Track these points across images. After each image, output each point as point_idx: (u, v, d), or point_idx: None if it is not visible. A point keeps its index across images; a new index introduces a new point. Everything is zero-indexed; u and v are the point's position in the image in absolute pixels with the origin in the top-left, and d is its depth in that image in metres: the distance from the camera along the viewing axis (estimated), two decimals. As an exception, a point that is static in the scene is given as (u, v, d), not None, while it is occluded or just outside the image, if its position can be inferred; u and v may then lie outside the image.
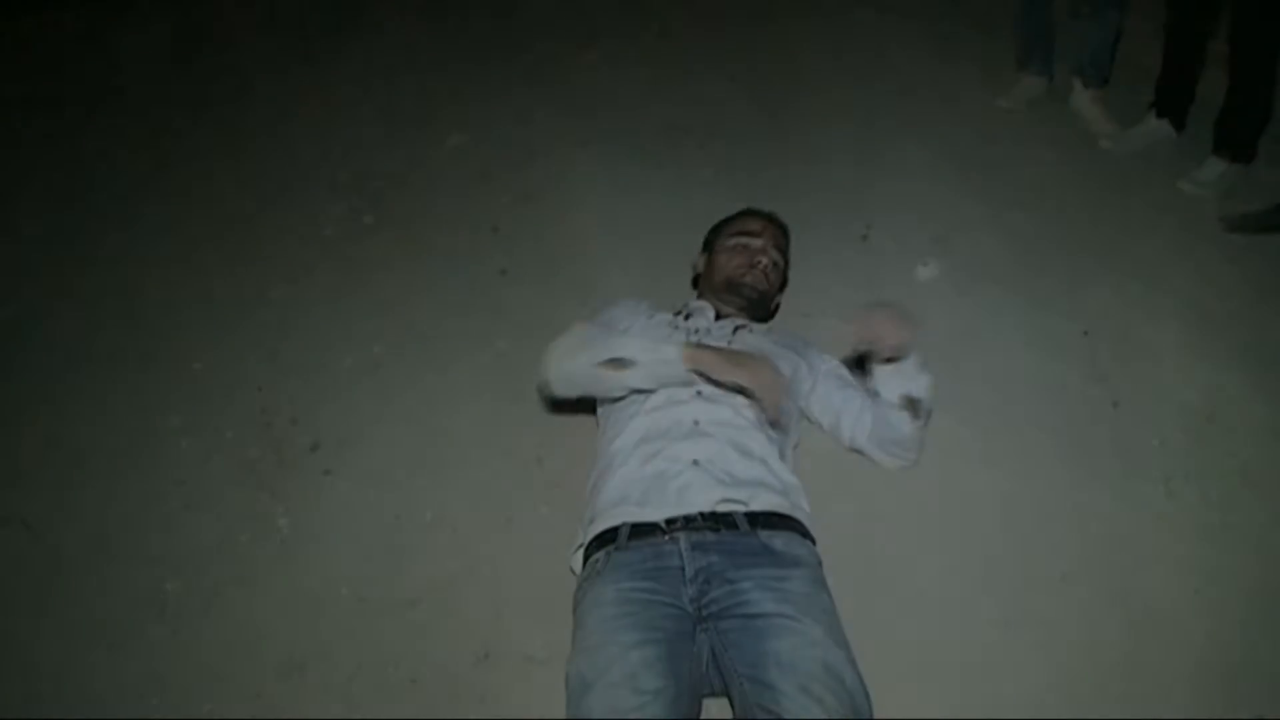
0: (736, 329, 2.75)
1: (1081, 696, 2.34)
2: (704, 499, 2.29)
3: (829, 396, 2.77)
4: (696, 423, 2.43)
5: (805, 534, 2.36)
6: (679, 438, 2.41)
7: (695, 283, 3.14)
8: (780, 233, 3.04)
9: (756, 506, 2.31)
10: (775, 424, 2.50)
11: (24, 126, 4.51)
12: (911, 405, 2.54)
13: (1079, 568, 2.60)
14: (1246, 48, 3.88)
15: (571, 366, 2.45)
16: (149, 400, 3.10)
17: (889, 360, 2.49)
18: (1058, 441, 2.93)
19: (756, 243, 2.94)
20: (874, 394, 2.61)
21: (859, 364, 2.71)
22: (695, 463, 2.35)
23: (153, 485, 2.84)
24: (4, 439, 2.99)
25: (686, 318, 2.82)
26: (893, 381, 2.54)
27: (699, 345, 2.45)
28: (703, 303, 2.93)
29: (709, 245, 3.08)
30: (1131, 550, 2.66)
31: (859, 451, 2.77)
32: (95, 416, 3.05)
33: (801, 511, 2.41)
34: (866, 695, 2.00)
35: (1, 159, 4.29)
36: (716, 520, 2.26)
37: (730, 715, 2.21)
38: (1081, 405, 3.06)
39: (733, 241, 2.96)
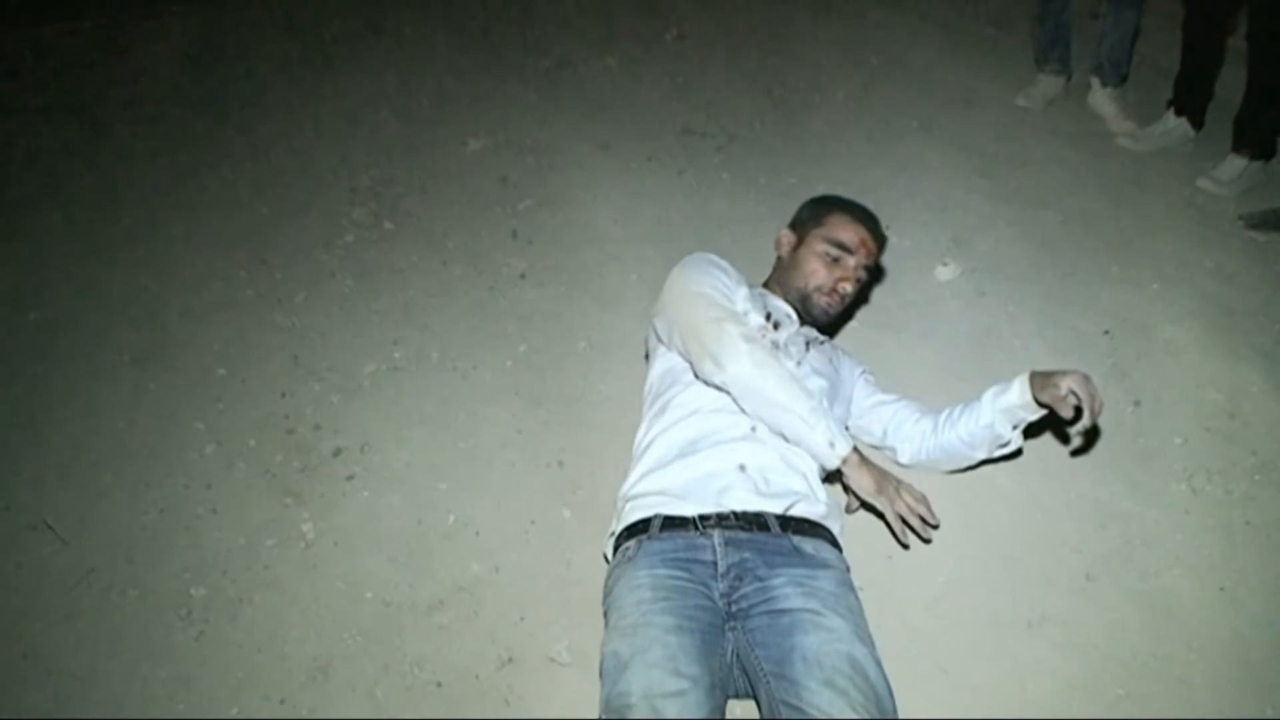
0: (809, 344, 2.71)
1: (1105, 696, 2.34)
2: (740, 501, 2.31)
3: (876, 411, 2.82)
4: (754, 429, 2.43)
5: (834, 543, 2.38)
6: (732, 439, 2.41)
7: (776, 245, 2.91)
8: (878, 246, 2.82)
9: (790, 512, 2.34)
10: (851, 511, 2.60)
11: (45, 136, 4.53)
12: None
13: (1102, 567, 2.61)
14: (1265, 45, 3.88)
15: (757, 381, 2.37)
16: (174, 407, 3.11)
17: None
18: (1080, 441, 2.92)
19: (849, 261, 2.72)
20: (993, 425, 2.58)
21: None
22: (741, 468, 2.36)
23: (178, 491, 2.85)
24: (30, 445, 3.01)
25: (776, 326, 2.65)
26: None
27: (863, 461, 2.41)
28: (786, 307, 2.77)
29: (801, 227, 2.84)
30: (1155, 549, 2.66)
31: (908, 466, 2.79)
32: (120, 423, 3.07)
33: (834, 525, 2.43)
34: (890, 693, 2.00)
35: (23, 168, 4.31)
36: (749, 520, 2.28)
37: (754, 718, 2.22)
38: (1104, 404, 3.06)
39: (824, 248, 2.73)
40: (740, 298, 2.61)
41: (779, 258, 2.89)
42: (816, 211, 2.83)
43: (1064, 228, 3.84)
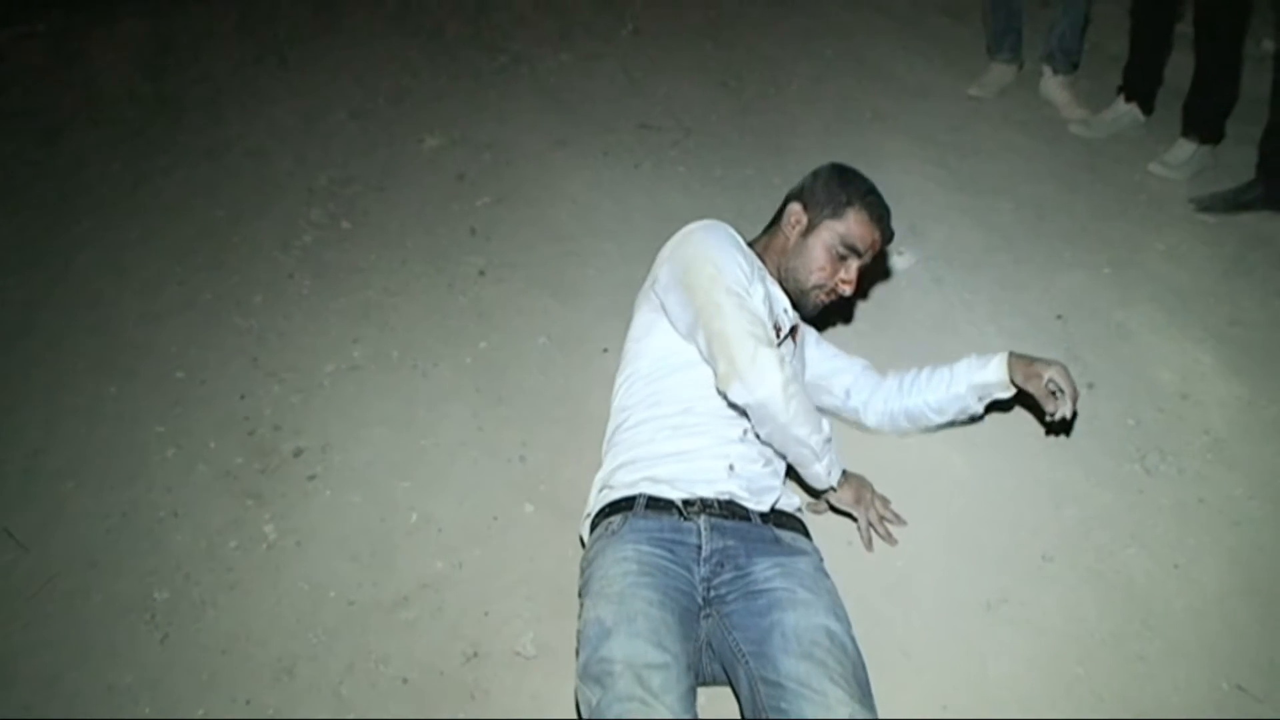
0: (793, 329, 2.63)
1: (1064, 674, 2.37)
2: (725, 495, 2.33)
3: (836, 372, 2.87)
4: (745, 433, 2.42)
5: (807, 533, 2.44)
6: (727, 441, 2.41)
7: (778, 213, 2.67)
8: (885, 246, 2.65)
9: (768, 506, 2.39)
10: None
11: (-1, 140, 4.52)
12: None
13: (1058, 547, 2.64)
14: (1212, 30, 3.92)
15: (783, 415, 2.28)
16: (133, 411, 3.11)
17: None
18: (1035, 424, 2.96)
19: (854, 264, 2.55)
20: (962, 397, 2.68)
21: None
22: (730, 468, 2.37)
23: (139, 495, 2.85)
24: (-10, 452, 3.01)
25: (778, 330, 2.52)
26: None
27: (846, 478, 2.58)
28: (785, 301, 2.60)
29: (815, 210, 2.56)
30: (1110, 528, 2.69)
31: (873, 430, 2.86)
32: (80, 428, 3.06)
33: (804, 517, 2.52)
34: (865, 669, 2.05)
35: (-23, 173, 4.30)
36: (732, 510, 2.31)
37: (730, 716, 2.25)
38: (1057, 388, 3.10)
39: (835, 245, 2.53)
40: (758, 297, 2.43)
41: (782, 233, 2.61)
42: (836, 199, 2.54)
43: (1017, 214, 3.87)
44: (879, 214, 2.55)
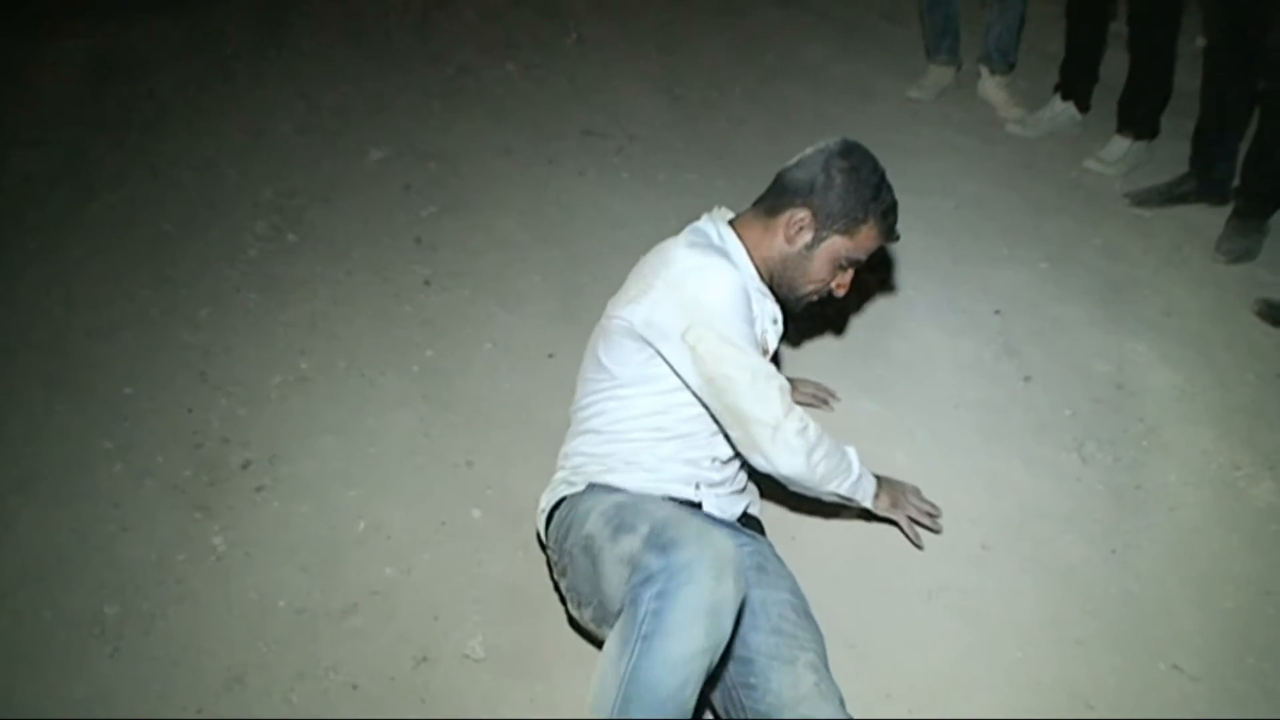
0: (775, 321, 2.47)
1: (1004, 659, 2.42)
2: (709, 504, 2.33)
3: None
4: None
5: (763, 533, 2.49)
6: (730, 459, 2.38)
7: (774, 207, 2.32)
8: None
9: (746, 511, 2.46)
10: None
11: (-59, 161, 4.49)
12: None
13: (997, 536, 2.70)
14: (1145, 29, 4.01)
15: (810, 480, 2.23)
16: (81, 427, 3.10)
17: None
18: (974, 417, 3.02)
19: (851, 272, 2.37)
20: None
21: None
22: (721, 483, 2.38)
23: (88, 510, 2.84)
24: (-64, 472, 3.00)
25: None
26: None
27: (880, 489, 2.44)
28: (776, 310, 2.43)
29: (825, 222, 2.25)
30: (1047, 516, 2.75)
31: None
32: (28, 445, 3.05)
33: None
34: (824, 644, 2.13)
35: (-80, 194, 4.27)
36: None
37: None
38: (995, 381, 3.16)
39: (840, 259, 2.30)
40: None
41: (780, 237, 2.29)
42: (852, 215, 2.25)
43: (956, 213, 3.94)
44: (892, 224, 2.34)
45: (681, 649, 1.73)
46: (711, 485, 2.35)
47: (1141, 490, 2.82)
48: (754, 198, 2.42)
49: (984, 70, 4.76)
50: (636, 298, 2.21)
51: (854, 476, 2.33)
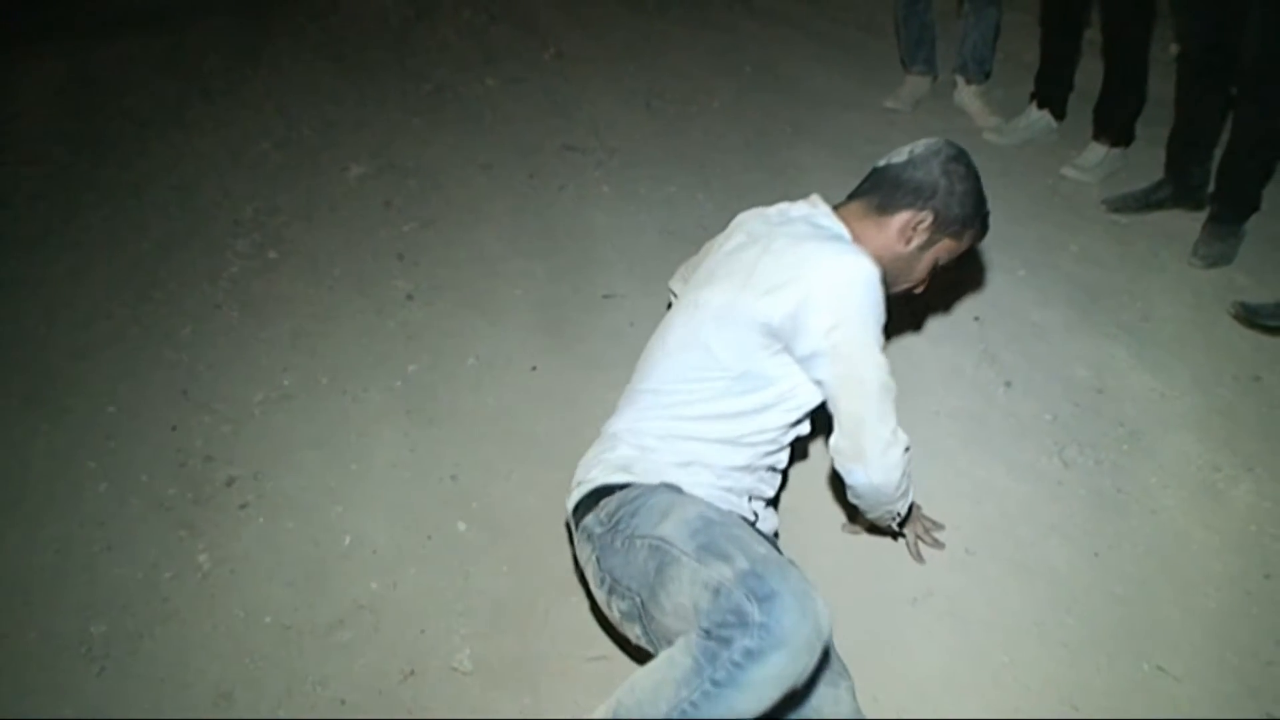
0: None
1: (990, 663, 2.42)
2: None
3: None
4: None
5: None
6: (772, 477, 2.39)
7: (885, 204, 2.28)
8: None
9: None
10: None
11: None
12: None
13: (980, 541, 2.70)
14: (1120, 37, 4.03)
15: (894, 495, 2.29)
16: (65, 447, 3.10)
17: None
18: (955, 424, 3.03)
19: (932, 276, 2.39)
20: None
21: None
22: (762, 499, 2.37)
23: (73, 530, 2.84)
24: (-81, 494, 2.99)
25: None
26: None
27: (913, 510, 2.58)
28: None
29: (941, 226, 2.25)
30: (1030, 520, 2.76)
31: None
32: (12, 465, 3.04)
33: None
34: None
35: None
36: None
37: None
38: (975, 388, 3.18)
39: (944, 261, 2.35)
40: None
41: (890, 236, 2.26)
42: (966, 219, 2.28)
43: (935, 221, 3.96)
44: (986, 230, 2.37)
45: (749, 708, 1.73)
46: (761, 499, 2.35)
47: (1123, 493, 2.84)
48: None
49: (960, 80, 4.79)
50: (774, 290, 2.09)
51: (910, 499, 2.39)
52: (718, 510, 2.02)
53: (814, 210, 2.32)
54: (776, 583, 1.73)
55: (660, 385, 2.25)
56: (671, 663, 1.79)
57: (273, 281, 3.77)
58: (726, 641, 1.71)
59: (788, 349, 2.14)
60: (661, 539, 1.94)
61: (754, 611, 1.70)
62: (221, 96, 5.17)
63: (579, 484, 2.22)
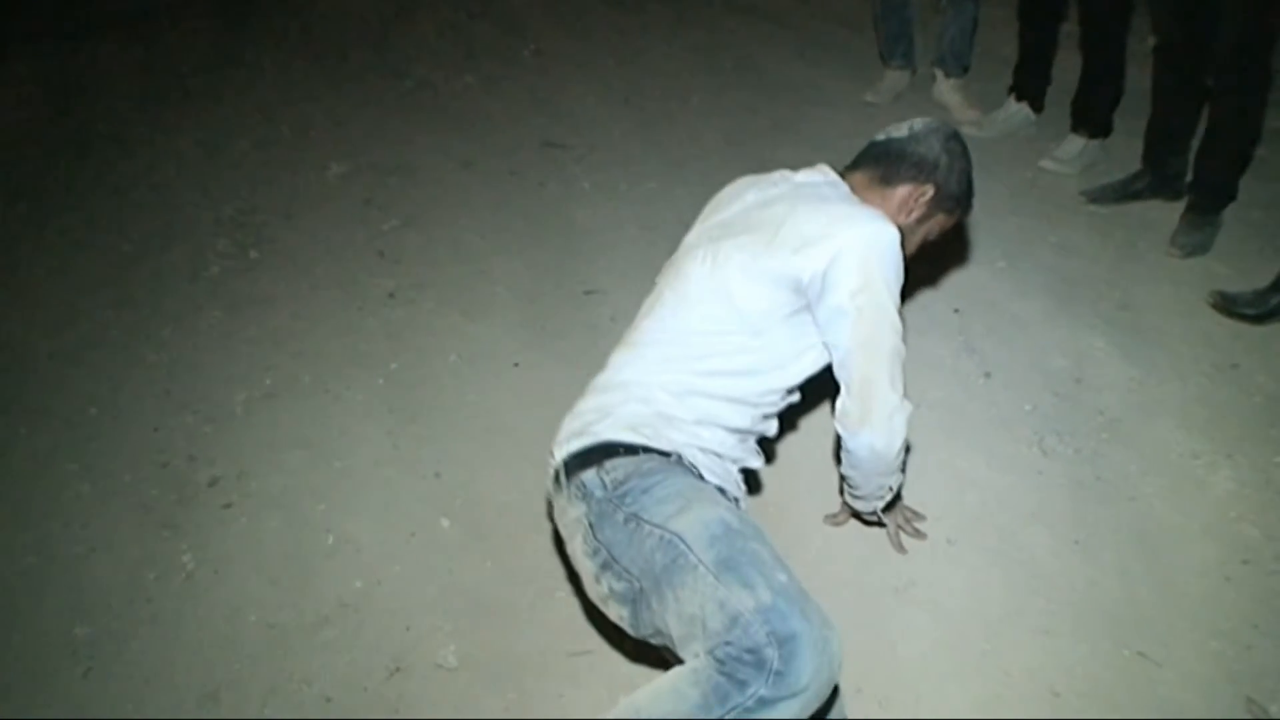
0: None
1: (971, 652, 2.43)
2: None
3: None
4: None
5: None
6: (754, 449, 2.37)
7: (890, 174, 2.31)
8: None
9: None
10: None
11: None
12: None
13: (961, 531, 2.71)
14: (1097, 29, 4.05)
15: (892, 465, 2.31)
16: (47, 449, 3.09)
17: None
18: (935, 414, 3.04)
19: None
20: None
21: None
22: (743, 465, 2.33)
23: (56, 532, 2.84)
24: (-100, 498, 2.98)
25: None
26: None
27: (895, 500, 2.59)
28: None
29: (940, 203, 2.32)
30: (1011, 510, 2.77)
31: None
32: (-8, 470, 3.05)
33: None
34: None
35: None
36: None
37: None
38: (955, 378, 3.19)
39: (935, 234, 2.42)
40: None
41: (894, 207, 2.29)
42: (961, 197, 2.36)
43: (914, 214, 3.97)
44: (970, 209, 2.47)
45: None
46: (742, 464, 2.30)
47: (1102, 481, 2.85)
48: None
49: (939, 74, 4.80)
50: (804, 248, 2.08)
51: (903, 476, 2.42)
52: (737, 514, 1.93)
53: (821, 176, 2.37)
54: (797, 623, 1.68)
55: (675, 337, 2.20)
56: (679, 694, 1.74)
57: (253, 281, 3.77)
58: (741, 685, 1.66)
59: (810, 307, 2.14)
60: (677, 535, 1.85)
61: (774, 659, 1.65)
62: (200, 97, 5.16)
63: (578, 434, 2.11)
